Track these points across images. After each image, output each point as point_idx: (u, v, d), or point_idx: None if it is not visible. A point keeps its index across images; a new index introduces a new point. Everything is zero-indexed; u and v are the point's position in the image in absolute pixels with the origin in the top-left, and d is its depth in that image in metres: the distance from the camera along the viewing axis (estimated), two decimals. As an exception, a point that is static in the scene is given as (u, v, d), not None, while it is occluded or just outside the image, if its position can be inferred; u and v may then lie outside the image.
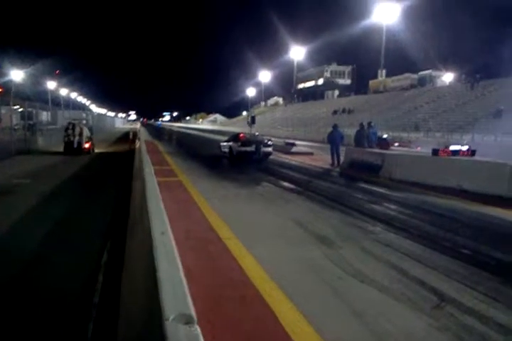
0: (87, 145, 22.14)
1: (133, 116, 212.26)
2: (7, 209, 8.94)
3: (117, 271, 4.57)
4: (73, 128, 21.80)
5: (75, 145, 21.66)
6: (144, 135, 33.11)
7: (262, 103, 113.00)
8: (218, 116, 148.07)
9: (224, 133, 37.86)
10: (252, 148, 18.44)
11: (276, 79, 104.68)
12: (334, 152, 17.65)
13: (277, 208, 8.71)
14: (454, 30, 67.13)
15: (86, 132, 22.27)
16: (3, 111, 27.64)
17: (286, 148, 23.89)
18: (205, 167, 16.31)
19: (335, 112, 60.10)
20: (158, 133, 56.61)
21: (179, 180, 12.02)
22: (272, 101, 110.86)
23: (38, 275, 5.32)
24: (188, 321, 1.86)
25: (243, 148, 18.53)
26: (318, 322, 3.74)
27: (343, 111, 58.74)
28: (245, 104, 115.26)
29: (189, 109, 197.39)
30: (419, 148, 25.08)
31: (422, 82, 61.23)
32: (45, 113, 36.41)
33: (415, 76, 63.21)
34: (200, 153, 23.43)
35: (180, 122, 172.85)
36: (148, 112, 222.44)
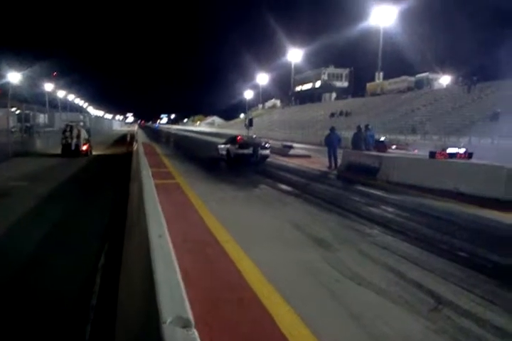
0: (84, 148, 22.13)
1: (130, 118, 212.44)
2: (4, 211, 8.92)
3: (115, 274, 4.56)
4: (71, 131, 21.79)
5: (73, 148, 21.63)
6: (141, 137, 33.06)
7: (260, 105, 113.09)
8: (216, 119, 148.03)
9: (221, 136, 37.87)
10: (249, 151, 18.45)
11: (274, 81, 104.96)
12: (332, 155, 17.67)
13: (275, 211, 8.71)
14: (450, 32, 67.29)
15: (84, 134, 22.26)
16: (0, 114, 27.59)
17: (284, 151, 23.90)
18: (203, 169, 16.31)
19: (332, 115, 60.17)
20: (155, 135, 56.59)
21: (177, 182, 12.02)
22: (269, 103, 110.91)
23: (35, 277, 5.31)
24: (185, 324, 1.86)
25: (241, 151, 18.54)
26: (316, 324, 3.74)
27: (341, 113, 58.81)
28: (243, 107, 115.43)
29: (187, 111, 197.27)
30: (416, 151, 25.07)
31: (419, 84, 61.27)
32: (42, 115, 36.34)
33: (412, 78, 63.27)
34: (197, 156, 23.43)
35: (178, 124, 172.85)
36: (146, 114, 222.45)
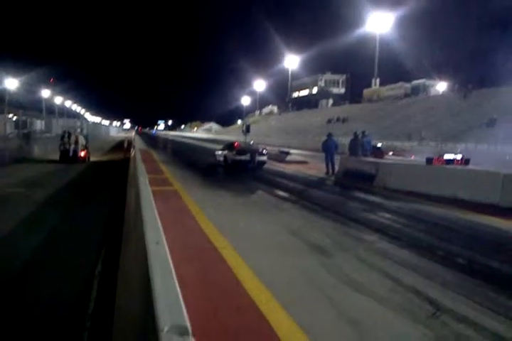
0: (82, 154, 22.17)
1: (128, 124, 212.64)
2: (0, 217, 8.88)
3: (112, 280, 4.54)
4: (69, 137, 21.85)
5: (71, 154, 21.67)
6: (138, 143, 33.03)
7: (257, 112, 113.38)
8: (213, 125, 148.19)
9: (219, 142, 37.87)
10: (246, 157, 18.47)
11: (271, 88, 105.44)
12: (329, 161, 17.68)
13: (272, 217, 8.70)
14: (447, 39, 67.67)
15: (82, 140, 22.31)
16: (-3, 120, 27.63)
17: (281, 157, 23.92)
18: (200, 176, 16.30)
19: (329, 121, 60.38)
20: (153, 141, 56.52)
21: (174, 188, 12.00)
22: (266, 109, 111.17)
23: (32, 285, 5.28)
24: (182, 332, 1.85)
25: (238, 157, 18.56)
26: (314, 331, 3.73)
27: (338, 120, 59.05)
28: (240, 113, 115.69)
29: (184, 117, 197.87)
30: (413, 157, 25.16)
31: (415, 91, 61.64)
32: (39, 121, 36.37)
33: (409, 85, 63.61)
34: (195, 162, 23.41)
35: (175, 130, 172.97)
36: (143, 121, 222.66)
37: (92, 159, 23.67)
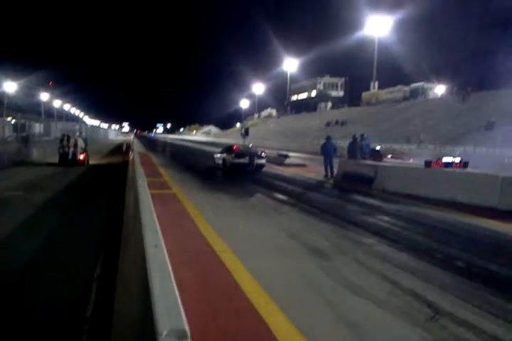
0: (81, 157, 22.20)
1: (126, 127, 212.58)
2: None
3: (110, 284, 4.54)
4: (68, 140, 21.90)
5: (70, 157, 21.71)
6: (137, 147, 33.05)
7: (256, 115, 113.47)
8: (212, 128, 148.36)
9: (218, 145, 37.89)
10: (245, 160, 18.48)
11: (270, 91, 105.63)
12: (327, 164, 17.69)
13: (271, 220, 8.70)
14: (445, 42, 67.89)
15: (81, 144, 22.34)
16: (-4, 123, 27.61)
17: (280, 160, 23.93)
18: (199, 178, 16.30)
19: (328, 124, 60.45)
20: (151, 144, 56.54)
21: (173, 191, 11.99)
22: (265, 113, 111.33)
23: (30, 288, 5.28)
24: (181, 336, 1.84)
25: (237, 160, 18.57)
26: (312, 334, 3.73)
27: (336, 122, 59.12)
28: (239, 116, 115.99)
29: (183, 120, 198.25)
30: (411, 160, 25.20)
31: (414, 94, 61.76)
32: (37, 124, 36.32)
33: (407, 88, 63.74)
34: (193, 165, 23.41)
35: (174, 134, 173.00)
36: (142, 124, 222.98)
37: (91, 162, 23.67)
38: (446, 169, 12.50)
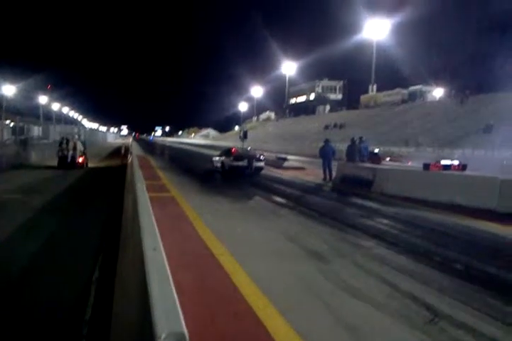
0: (80, 160, 22.25)
1: (125, 130, 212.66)
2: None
3: (109, 287, 4.53)
4: (67, 143, 21.95)
5: (69, 160, 21.77)
6: (136, 150, 33.04)
7: (254, 118, 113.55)
8: (211, 131, 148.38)
9: (216, 148, 37.88)
10: (244, 163, 18.49)
11: (269, 94, 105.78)
12: (326, 167, 17.69)
13: (270, 223, 8.70)
14: (443, 45, 68.02)
15: (80, 147, 22.39)
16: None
17: (278, 163, 23.93)
18: (198, 182, 16.29)
19: (326, 127, 60.51)
20: (150, 147, 56.51)
21: (171, 195, 11.98)
22: (264, 115, 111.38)
23: (29, 291, 5.26)
24: (179, 339, 1.84)
25: (235, 163, 18.58)
26: (311, 337, 3.72)
27: (335, 126, 59.16)
28: (237, 119, 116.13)
29: (181, 123, 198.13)
30: (410, 163, 25.24)
31: (412, 97, 61.82)
32: (36, 128, 36.35)
33: (406, 91, 63.81)
34: (192, 168, 23.40)
35: (173, 137, 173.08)
36: (141, 127, 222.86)
37: (89, 165, 23.71)
38: (445, 172, 12.51)
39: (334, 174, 17.26)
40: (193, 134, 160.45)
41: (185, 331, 1.91)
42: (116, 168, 22.47)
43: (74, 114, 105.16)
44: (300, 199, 12.34)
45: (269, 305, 4.35)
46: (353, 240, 7.42)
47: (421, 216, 10.00)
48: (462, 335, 3.91)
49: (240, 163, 18.52)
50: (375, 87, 69.16)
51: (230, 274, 5.28)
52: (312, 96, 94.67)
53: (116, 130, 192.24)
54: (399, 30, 61.93)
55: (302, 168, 23.27)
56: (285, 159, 24.87)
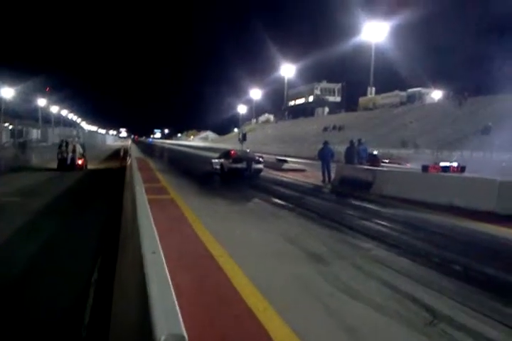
0: (80, 162, 22.32)
1: (124, 133, 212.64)
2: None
3: (108, 289, 4.52)
4: (67, 146, 22.01)
5: (69, 162, 21.84)
6: (135, 152, 33.03)
7: (253, 120, 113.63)
8: (210, 133, 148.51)
9: (215, 150, 37.88)
10: (243, 165, 18.49)
11: (267, 96, 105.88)
12: (325, 169, 17.69)
13: (269, 225, 8.70)
14: (441, 47, 68.17)
15: (79, 149, 22.46)
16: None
17: (278, 165, 23.95)
18: (197, 184, 16.29)
19: (325, 129, 60.52)
20: (149, 150, 56.51)
21: (171, 197, 11.99)
22: (263, 118, 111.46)
23: (28, 294, 5.25)
24: (179, 341, 1.84)
25: (234, 165, 18.58)
26: (311, 339, 3.72)
27: (334, 128, 59.17)
28: (236, 121, 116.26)
29: (180, 126, 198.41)
30: (409, 165, 25.27)
31: (411, 99, 61.83)
32: (35, 130, 36.29)
33: (404, 93, 63.86)
34: (191, 170, 23.41)
35: (172, 139, 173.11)
36: (140, 129, 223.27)
37: (89, 167, 23.73)
38: (444, 173, 12.52)
39: (333, 176, 17.26)
40: (192, 137, 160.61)
41: (185, 333, 1.91)
42: (115, 170, 22.45)
43: (73, 117, 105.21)
44: (299, 201, 12.34)
45: (269, 307, 4.35)
46: (352, 242, 7.42)
47: (420, 217, 10.00)
48: (462, 337, 3.90)
49: (239, 165, 18.52)
50: (373, 89, 69.23)
51: (229, 276, 5.28)
52: (311, 99, 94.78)
53: (115, 132, 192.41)
54: (397, 32, 62.11)
55: (301, 170, 23.28)
56: (284, 161, 24.90)
